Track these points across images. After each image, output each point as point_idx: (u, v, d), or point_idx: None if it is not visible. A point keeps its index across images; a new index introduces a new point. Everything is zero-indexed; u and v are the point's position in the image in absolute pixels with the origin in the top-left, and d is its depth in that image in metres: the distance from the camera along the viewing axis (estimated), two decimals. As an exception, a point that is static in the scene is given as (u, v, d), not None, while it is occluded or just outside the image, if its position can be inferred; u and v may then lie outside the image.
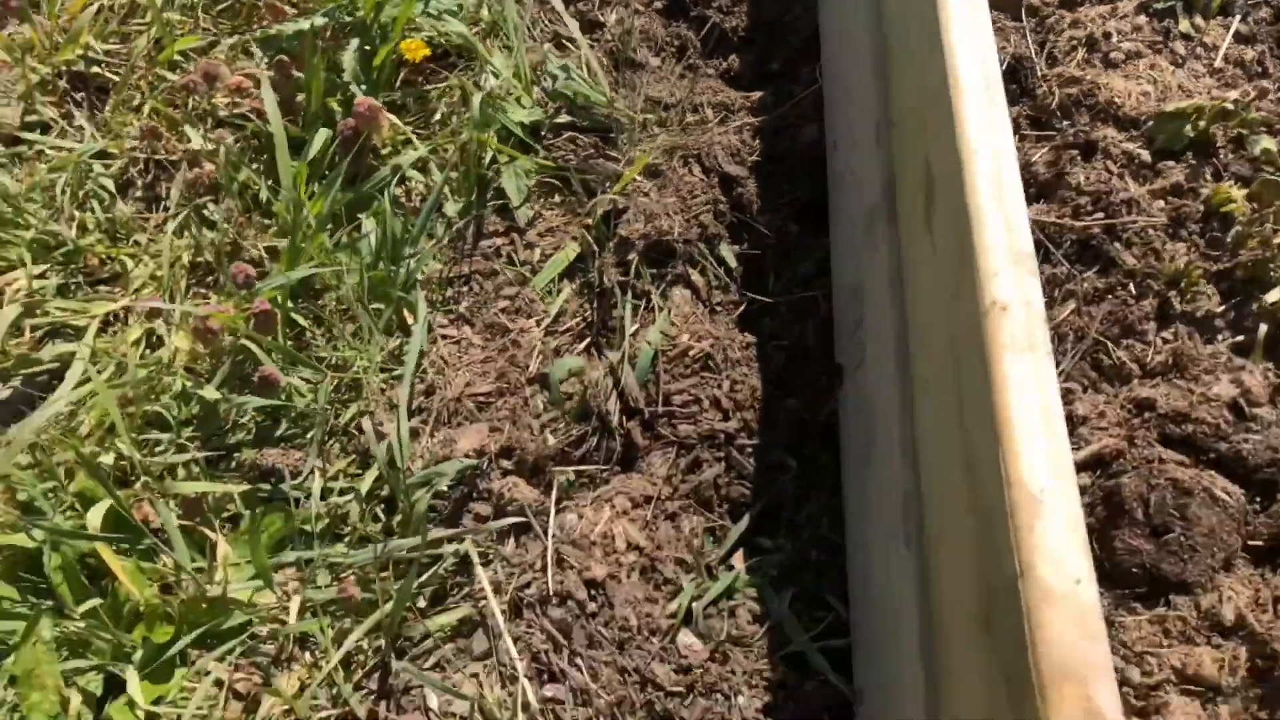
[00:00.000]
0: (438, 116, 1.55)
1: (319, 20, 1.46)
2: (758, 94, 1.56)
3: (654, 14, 1.69)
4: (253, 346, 1.25)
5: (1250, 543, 1.02)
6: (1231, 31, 1.42)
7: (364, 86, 1.44)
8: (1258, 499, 1.04)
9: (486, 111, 1.41)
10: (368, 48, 1.49)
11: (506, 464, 1.23)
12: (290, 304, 1.35)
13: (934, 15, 0.95)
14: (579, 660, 1.06)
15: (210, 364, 1.32)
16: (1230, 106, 1.23)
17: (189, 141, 1.49)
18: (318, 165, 1.44)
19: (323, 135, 1.40)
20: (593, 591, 1.09)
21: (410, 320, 1.34)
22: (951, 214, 0.88)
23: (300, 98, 1.49)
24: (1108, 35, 1.40)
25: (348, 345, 1.32)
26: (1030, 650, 0.63)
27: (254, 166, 1.46)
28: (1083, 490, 1.06)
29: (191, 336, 1.29)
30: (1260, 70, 1.40)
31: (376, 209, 1.39)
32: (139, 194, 1.52)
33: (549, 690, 1.04)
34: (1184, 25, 1.41)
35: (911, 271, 1.04)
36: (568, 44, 1.64)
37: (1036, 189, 1.30)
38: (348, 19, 1.49)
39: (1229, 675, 0.92)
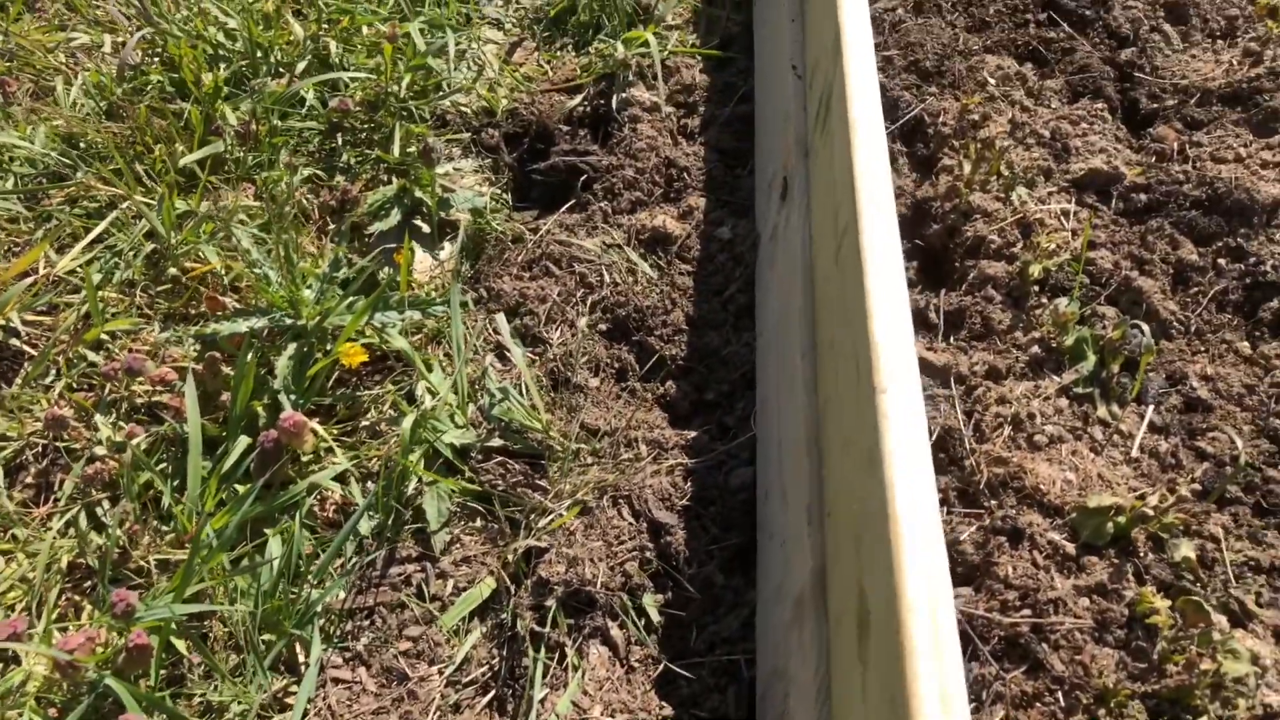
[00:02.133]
0: (366, 423, 1.55)
1: (258, 322, 1.49)
2: (692, 433, 1.61)
3: (597, 335, 1.77)
4: (118, 688, 1.16)
5: None
6: (1146, 421, 1.53)
7: (294, 396, 1.45)
8: None
9: (417, 432, 1.42)
10: (306, 349, 1.51)
11: None
12: (172, 626, 1.28)
13: (875, 438, 1.00)
14: None
15: (67, 695, 1.22)
16: (1149, 511, 1.30)
17: (96, 431, 1.46)
18: (231, 473, 1.41)
19: (242, 443, 1.39)
20: None
21: (302, 658, 1.27)
22: (885, 652, 0.89)
23: (226, 396, 1.49)
24: (1032, 416, 1.50)
25: (228, 684, 1.24)
26: None
27: (161, 466, 1.43)
28: None
29: (50, 664, 1.20)
30: (1174, 462, 1.50)
31: (285, 528, 1.35)
32: (29, 480, 1.46)
33: None
34: (1101, 411, 1.52)
35: (841, 688, 1.03)
36: (506, 355, 1.70)
37: (965, 571, 1.33)
38: (288, 322, 1.52)
39: None
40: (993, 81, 2.20)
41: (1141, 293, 1.65)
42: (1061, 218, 1.84)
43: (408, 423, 1.43)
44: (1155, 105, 2.23)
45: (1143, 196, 1.86)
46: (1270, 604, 1.31)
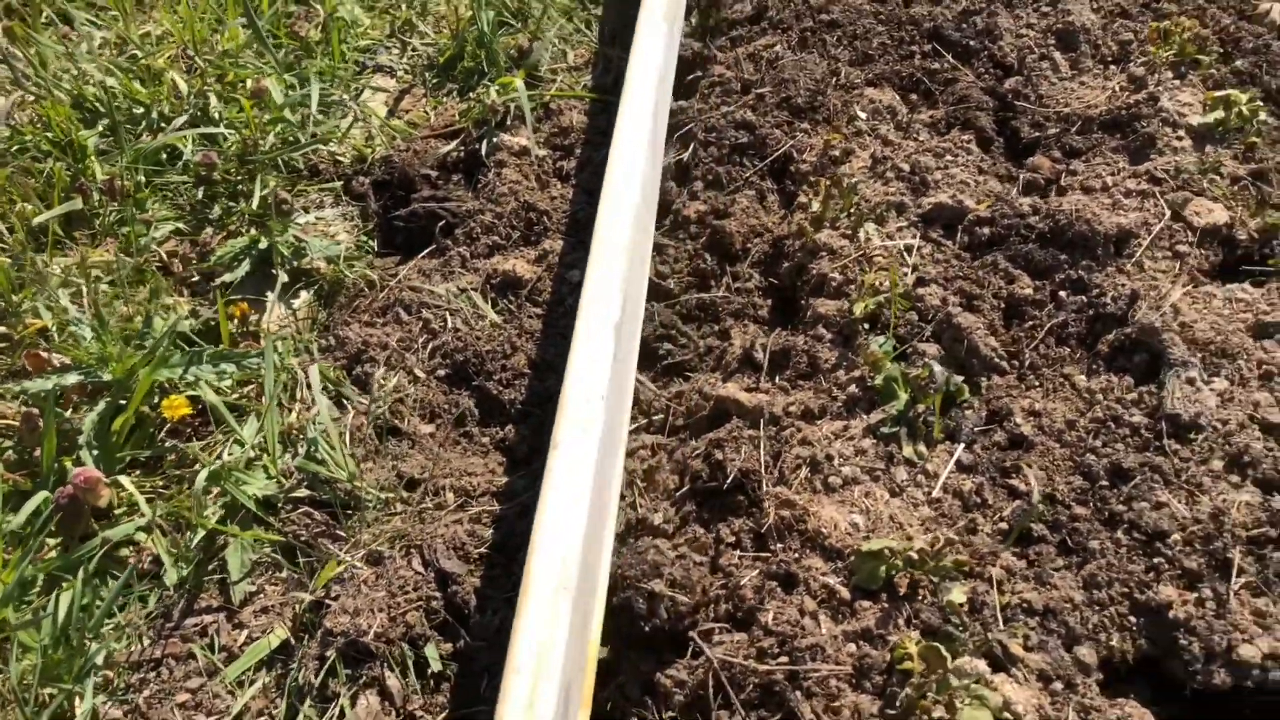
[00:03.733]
0: (187, 475, 1.62)
1: (70, 379, 1.57)
2: (506, 479, 1.65)
3: (435, 381, 1.83)
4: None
5: None
6: (954, 459, 1.55)
7: (96, 451, 1.52)
8: None
9: (210, 487, 1.48)
10: (118, 405, 1.59)
11: None
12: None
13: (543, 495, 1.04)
14: None
15: None
16: (915, 555, 1.32)
17: (-85, 487, 1.54)
18: (33, 528, 1.48)
19: (38, 498, 1.46)
20: None
21: (80, 710, 1.33)
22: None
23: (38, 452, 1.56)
24: (830, 458, 1.53)
25: (0, 738, 1.30)
26: None
27: (-32, 522, 1.50)
28: None
29: None
30: (979, 501, 1.52)
31: (71, 583, 1.42)
32: None
33: None
34: (908, 451, 1.55)
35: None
36: (345, 403, 1.76)
37: (742, 616, 1.36)
38: (103, 378, 1.60)
39: None
40: (863, 116, 2.24)
41: (961, 329, 1.68)
42: (904, 253, 1.87)
43: (201, 477, 1.50)
44: (1037, 134, 2.27)
45: (986, 230, 1.89)
46: (1039, 647, 1.32)
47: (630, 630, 1.36)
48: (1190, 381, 1.60)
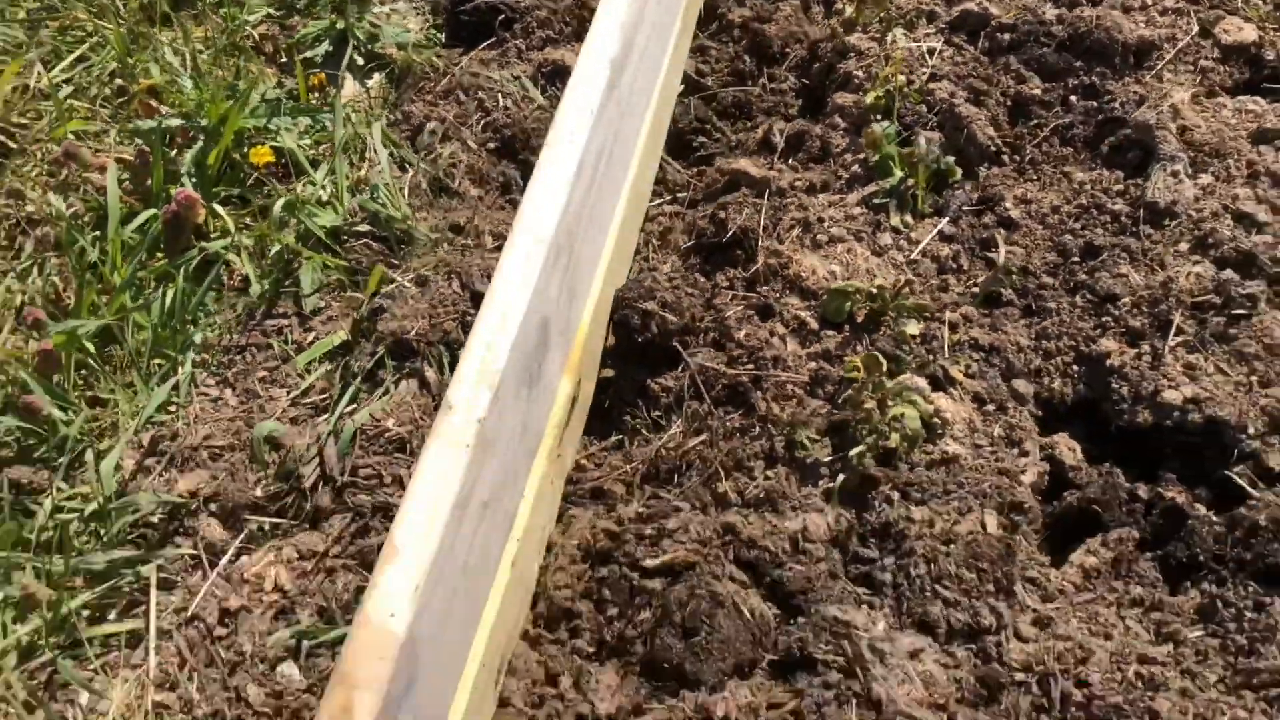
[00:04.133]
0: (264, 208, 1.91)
1: (174, 122, 1.86)
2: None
3: (485, 152, 2.06)
4: (27, 378, 1.57)
5: (771, 656, 1.24)
6: (937, 230, 1.72)
7: (194, 181, 1.81)
8: (789, 619, 1.26)
9: (284, 215, 1.76)
10: (210, 146, 1.87)
11: (213, 507, 1.51)
12: (88, 349, 1.67)
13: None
14: (195, 674, 1.30)
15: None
16: (875, 291, 1.52)
17: (48, 206, 1.87)
18: (144, 240, 1.79)
19: (147, 214, 1.77)
20: (225, 619, 1.34)
21: (181, 375, 1.66)
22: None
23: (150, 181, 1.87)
24: (821, 220, 1.72)
25: (120, 390, 1.63)
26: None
27: (92, 234, 1.82)
28: (651, 592, 1.29)
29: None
30: (955, 266, 1.70)
31: (175, 281, 1.73)
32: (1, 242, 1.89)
33: (161, 696, 1.28)
34: (895, 220, 1.73)
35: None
36: (408, 165, 2.01)
37: (717, 337, 1.58)
38: (201, 123, 1.88)
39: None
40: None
41: (962, 118, 1.82)
42: (925, 55, 1.99)
43: (278, 205, 1.77)
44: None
45: (1006, 36, 1.99)
46: (979, 375, 1.52)
47: (627, 345, 1.60)
48: (1174, 174, 1.72)
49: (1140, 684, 1.24)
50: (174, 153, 1.94)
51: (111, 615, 1.43)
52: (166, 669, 1.33)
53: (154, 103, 1.96)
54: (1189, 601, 1.35)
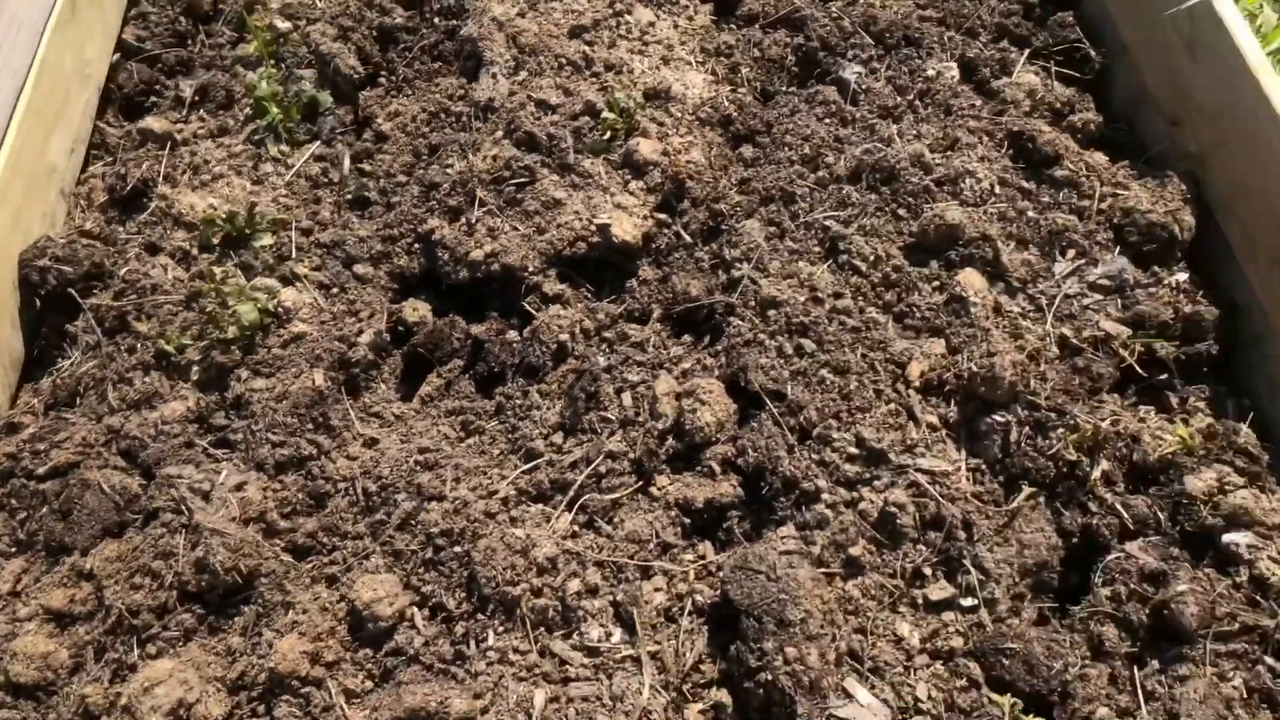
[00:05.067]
0: None
1: None
2: None
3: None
4: None
5: (132, 515, 1.63)
6: (309, 154, 2.11)
7: None
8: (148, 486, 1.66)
9: None
10: None
11: None
12: None
13: None
14: None
15: None
16: (226, 215, 1.89)
17: None
18: None
19: None
20: None
21: None
22: None
23: None
24: (206, 163, 2.06)
25: None
26: None
27: None
28: (44, 493, 1.65)
29: None
30: (326, 181, 2.10)
31: None
32: None
33: None
34: (273, 151, 2.10)
35: None
36: None
37: (112, 278, 1.91)
38: None
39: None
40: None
41: (325, 55, 2.19)
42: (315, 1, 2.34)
43: None
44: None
45: (375, -28, 2.36)
46: (323, 268, 1.94)
47: (38, 298, 1.91)
48: (494, 76, 2.18)
49: (429, 465, 1.72)
50: None
51: None
52: None
53: None
54: (492, 402, 1.85)
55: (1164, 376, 1.96)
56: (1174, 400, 1.93)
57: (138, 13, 2.47)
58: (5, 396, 1.82)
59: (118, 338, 1.84)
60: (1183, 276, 2.00)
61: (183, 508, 1.57)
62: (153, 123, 2.14)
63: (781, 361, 1.83)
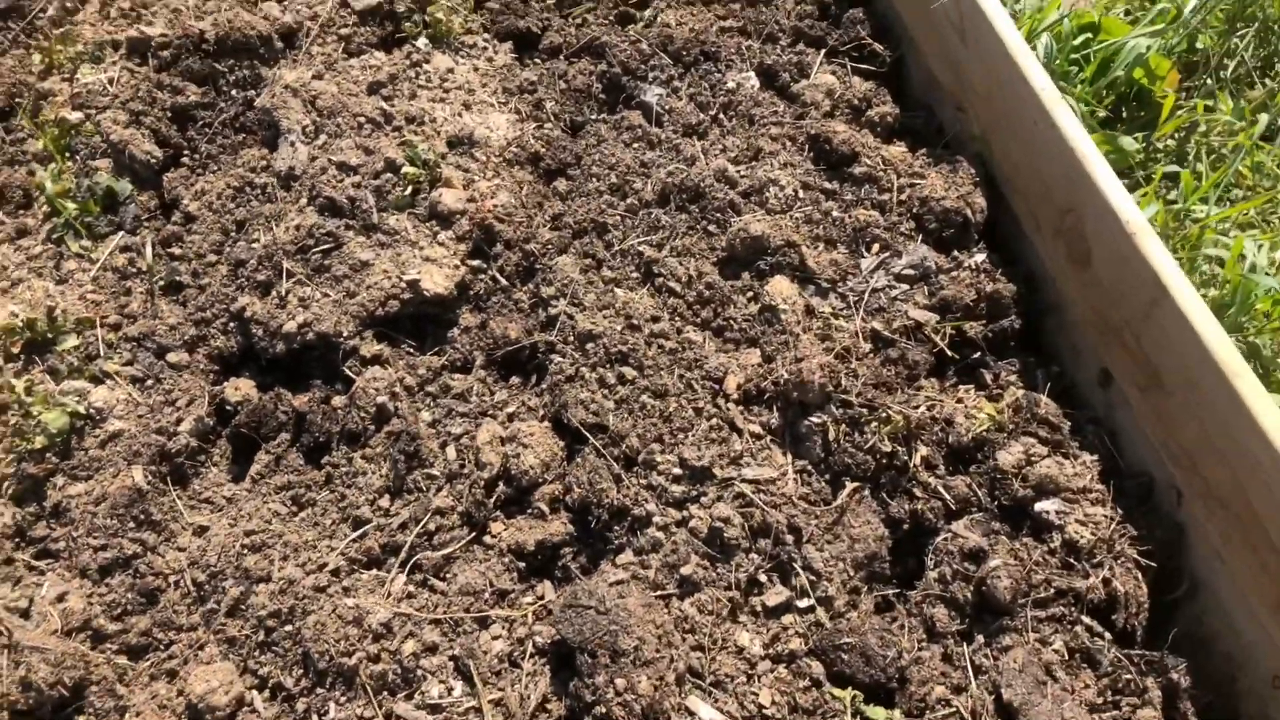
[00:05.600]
0: None
1: None
2: None
3: None
4: None
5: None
6: (114, 245, 2.09)
7: None
8: (-36, 612, 1.63)
9: None
10: None
11: None
12: None
13: None
14: None
15: None
16: (25, 322, 1.87)
17: None
18: None
19: None
20: None
21: None
22: None
23: None
24: (5, 267, 2.03)
25: None
26: None
27: None
28: None
29: None
30: (135, 270, 2.08)
31: None
32: None
33: None
34: (75, 247, 2.07)
35: None
36: None
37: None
38: None
39: None
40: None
41: (118, 144, 2.17)
42: (108, 85, 2.32)
43: None
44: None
45: (165, 52, 2.35)
46: (134, 361, 1.92)
47: None
48: (293, 144, 2.18)
49: (256, 547, 1.72)
50: None
51: None
52: None
53: None
54: (321, 473, 1.85)
55: (977, 355, 2.05)
56: (989, 377, 2.02)
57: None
58: None
59: None
60: (981, 258, 2.09)
61: (2, 629, 1.55)
62: (-51, 233, 2.10)
63: (604, 393, 1.88)
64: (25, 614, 1.59)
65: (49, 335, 1.90)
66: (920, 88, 2.48)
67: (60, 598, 1.62)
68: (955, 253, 2.13)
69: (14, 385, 1.80)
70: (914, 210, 2.16)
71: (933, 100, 2.43)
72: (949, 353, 2.03)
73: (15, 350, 1.89)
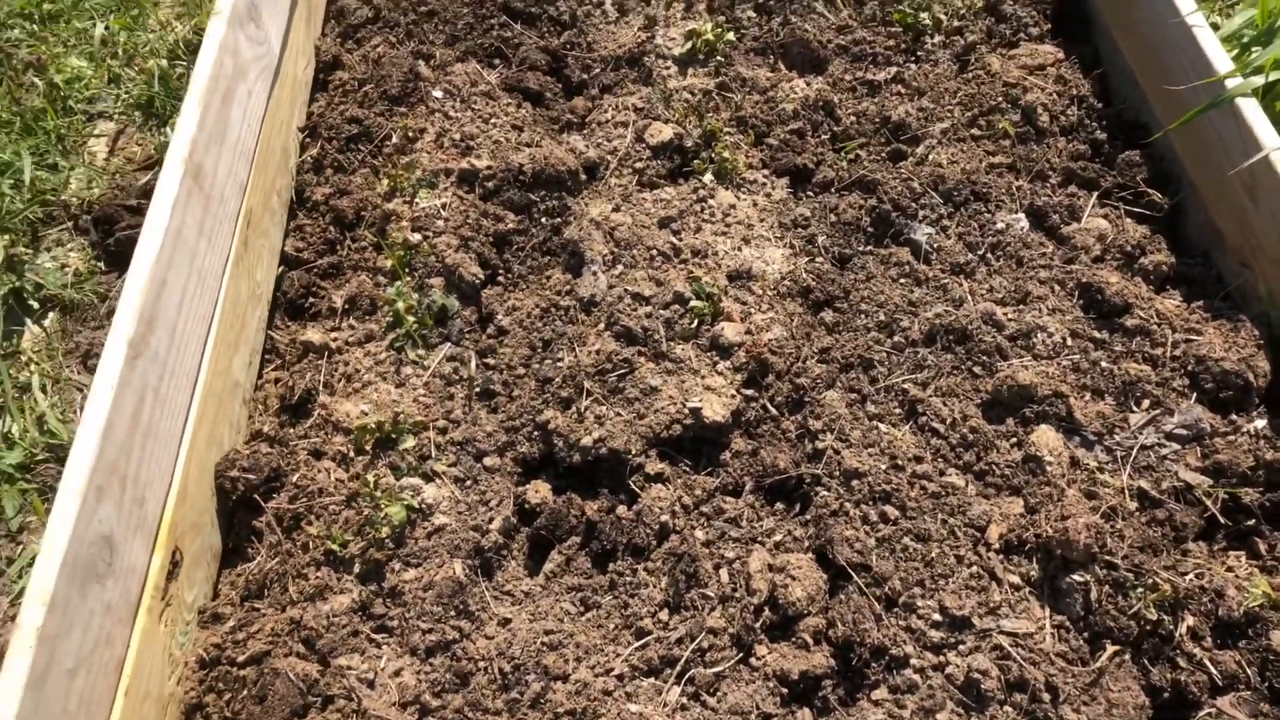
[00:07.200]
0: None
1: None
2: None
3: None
4: None
5: (313, 699, 1.94)
6: (442, 355, 2.43)
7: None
8: (325, 669, 1.96)
9: (-26, 467, 2.40)
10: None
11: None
12: None
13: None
14: None
15: None
16: (374, 424, 2.22)
17: None
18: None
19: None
20: None
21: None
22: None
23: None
24: (358, 371, 2.41)
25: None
26: None
27: None
28: (246, 679, 1.98)
29: None
30: (459, 378, 2.40)
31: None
32: None
33: None
34: (412, 355, 2.43)
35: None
36: (84, 388, 2.64)
37: (287, 481, 2.26)
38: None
39: None
40: (438, 95, 3.02)
41: (450, 265, 2.52)
42: (440, 210, 2.70)
43: (-33, 460, 2.41)
44: (585, 76, 3.04)
45: (490, 183, 2.71)
46: (458, 463, 2.23)
47: (230, 500, 2.28)
48: (594, 273, 2.46)
49: (554, 645, 1.97)
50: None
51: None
52: None
53: None
54: (606, 578, 2.09)
55: (1251, 523, 2.02)
56: (1263, 547, 1.99)
57: (295, 226, 2.89)
58: (210, 587, 2.18)
59: (293, 535, 2.18)
60: (1262, 423, 2.06)
61: (353, 695, 1.86)
62: (312, 335, 2.52)
63: (867, 529, 2.00)
64: (370, 684, 1.90)
65: (393, 435, 2.24)
66: (1197, 232, 2.45)
67: (397, 673, 1.92)
68: (1233, 415, 2.10)
69: (367, 479, 2.14)
70: (1189, 368, 2.15)
71: (1211, 248, 2.40)
72: (1220, 518, 2.01)
73: (368, 447, 2.25)
